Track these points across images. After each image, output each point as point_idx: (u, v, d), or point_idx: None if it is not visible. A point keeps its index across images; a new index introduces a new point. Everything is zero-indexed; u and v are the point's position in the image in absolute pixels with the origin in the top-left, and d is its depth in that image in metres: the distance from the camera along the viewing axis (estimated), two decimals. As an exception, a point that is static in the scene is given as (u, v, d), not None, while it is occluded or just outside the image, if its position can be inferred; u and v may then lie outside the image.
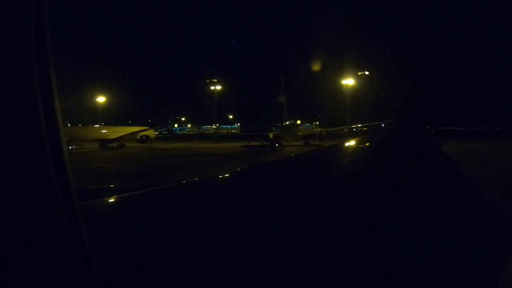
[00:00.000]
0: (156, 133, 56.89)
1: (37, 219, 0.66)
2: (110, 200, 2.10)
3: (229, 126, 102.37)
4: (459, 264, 1.27)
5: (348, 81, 50.04)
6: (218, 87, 59.79)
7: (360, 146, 5.22)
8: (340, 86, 50.05)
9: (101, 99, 56.25)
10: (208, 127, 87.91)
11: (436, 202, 2.06)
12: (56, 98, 0.73)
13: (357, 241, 1.45)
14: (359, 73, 49.09)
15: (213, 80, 59.22)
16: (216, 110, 60.87)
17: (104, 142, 42.55)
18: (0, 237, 0.62)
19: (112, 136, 43.87)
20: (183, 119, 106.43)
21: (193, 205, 1.95)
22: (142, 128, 49.46)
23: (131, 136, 45.62)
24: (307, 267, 1.21)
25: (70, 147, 39.81)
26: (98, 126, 47.37)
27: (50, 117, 0.70)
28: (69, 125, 42.05)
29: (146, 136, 47.39)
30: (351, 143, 6.02)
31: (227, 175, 2.83)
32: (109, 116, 55.67)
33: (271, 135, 37.83)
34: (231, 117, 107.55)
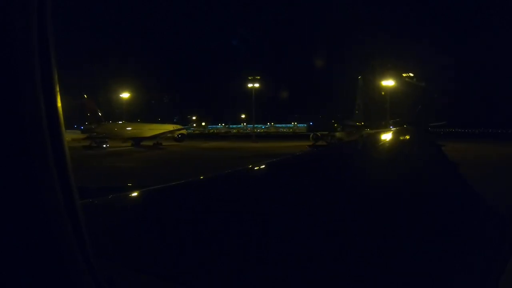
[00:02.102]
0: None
1: (37, 218, 0.65)
2: (110, 199, 2.05)
3: (263, 126, 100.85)
4: (459, 264, 1.26)
5: (388, 83, 48.41)
6: (256, 85, 57.68)
7: (361, 146, 5.19)
8: (380, 88, 48.43)
9: (123, 96, 53.82)
10: (223, 127, 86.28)
11: (436, 202, 2.03)
12: (57, 96, 0.72)
13: (357, 241, 1.43)
14: (404, 75, 47.22)
15: (256, 77, 57.07)
16: (253, 109, 58.77)
17: (138, 141, 40.06)
18: (0, 237, 0.62)
19: (148, 134, 41.41)
20: (194, 118, 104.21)
21: (193, 205, 1.91)
22: (175, 126, 47.16)
23: (168, 134, 43.18)
24: (307, 267, 1.21)
25: (104, 146, 37.17)
26: (131, 123, 44.64)
27: (52, 116, 0.69)
28: (106, 122, 39.64)
29: (183, 134, 45.04)
30: (351, 143, 6.02)
31: (227, 174, 2.73)
32: (115, 114, 53.03)
33: (319, 134, 37.57)
34: (243, 116, 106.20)
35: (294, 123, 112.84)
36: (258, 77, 56.35)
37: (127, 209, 1.89)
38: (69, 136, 54.14)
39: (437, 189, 2.40)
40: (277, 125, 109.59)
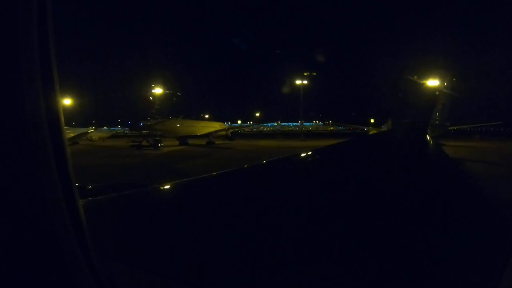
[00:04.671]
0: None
1: (38, 217, 0.66)
2: (111, 197, 2.06)
3: (269, 125, 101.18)
4: (459, 264, 1.26)
5: (432, 82, 49.02)
6: (305, 82, 57.63)
7: (362, 145, 5.23)
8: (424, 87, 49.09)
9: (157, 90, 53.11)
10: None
11: (437, 201, 2.02)
12: (58, 94, 0.72)
13: (358, 241, 1.42)
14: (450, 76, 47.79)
15: (313, 73, 56.66)
16: (301, 107, 58.21)
17: (185, 139, 39.43)
18: (1, 236, 0.62)
19: (201, 132, 41.04)
20: (206, 116, 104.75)
21: (195, 203, 1.91)
22: (221, 124, 46.87)
23: (221, 132, 42.91)
24: (308, 268, 1.20)
25: (159, 145, 35.60)
26: (186, 120, 43.85)
27: (52, 116, 0.70)
28: (165, 118, 39.02)
29: (234, 133, 44.84)
30: (350, 142, 6.20)
31: (230, 172, 2.73)
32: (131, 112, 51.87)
33: (375, 131, 37.38)
34: (257, 114, 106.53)
35: (300, 122, 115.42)
36: (315, 73, 56.24)
37: (128, 207, 1.88)
38: (96, 134, 52.31)
39: (438, 187, 2.37)
40: (283, 123, 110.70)
